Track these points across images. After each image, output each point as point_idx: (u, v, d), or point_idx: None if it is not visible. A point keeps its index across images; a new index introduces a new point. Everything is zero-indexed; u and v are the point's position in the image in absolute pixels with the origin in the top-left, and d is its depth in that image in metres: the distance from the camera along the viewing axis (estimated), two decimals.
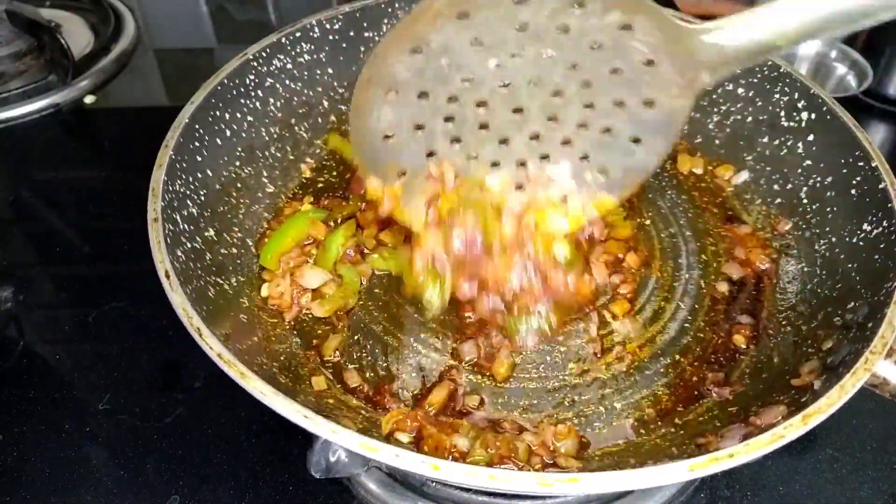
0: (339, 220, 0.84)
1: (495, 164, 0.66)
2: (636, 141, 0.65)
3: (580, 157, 0.66)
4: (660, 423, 0.68)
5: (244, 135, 0.84)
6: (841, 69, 1.26)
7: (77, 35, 1.36)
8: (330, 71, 0.93)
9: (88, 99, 1.25)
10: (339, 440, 0.49)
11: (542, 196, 0.67)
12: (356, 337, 0.75)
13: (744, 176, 0.90)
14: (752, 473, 0.73)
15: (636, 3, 0.57)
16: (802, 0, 0.54)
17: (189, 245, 0.69)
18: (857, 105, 1.20)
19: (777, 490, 0.73)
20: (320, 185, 0.91)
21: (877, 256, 0.68)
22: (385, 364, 0.73)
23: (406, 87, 0.61)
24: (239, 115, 0.84)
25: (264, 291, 0.77)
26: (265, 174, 0.87)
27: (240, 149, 0.84)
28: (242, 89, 0.84)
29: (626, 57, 0.60)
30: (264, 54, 0.86)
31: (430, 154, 0.66)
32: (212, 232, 0.75)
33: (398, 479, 0.71)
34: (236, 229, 0.79)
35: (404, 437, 0.64)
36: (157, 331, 0.85)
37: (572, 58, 0.60)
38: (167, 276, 0.60)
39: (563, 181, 0.67)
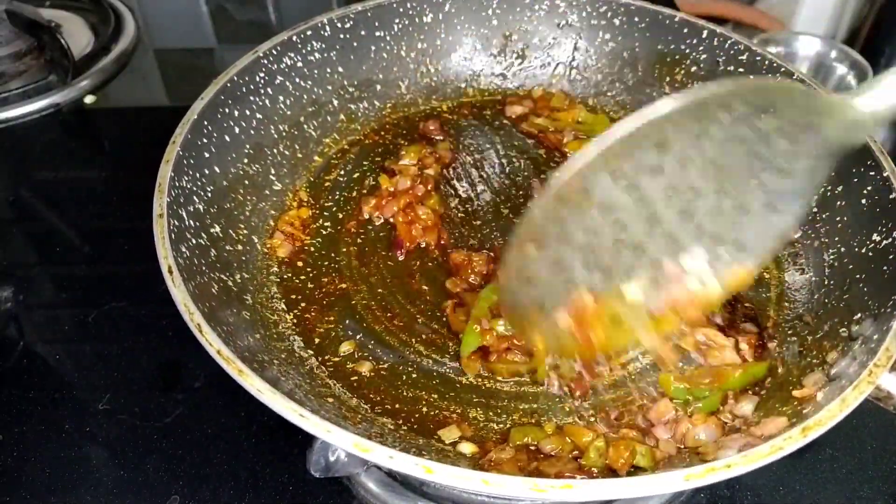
0: None
1: (629, 271, 0.59)
2: (772, 208, 0.59)
3: (713, 241, 0.59)
4: None
5: (253, 132, 0.85)
6: (841, 69, 1.26)
7: (77, 35, 1.36)
8: (340, 70, 0.94)
9: (88, 99, 1.25)
10: (334, 440, 0.49)
11: (679, 290, 0.60)
12: (358, 337, 0.75)
13: None
14: (751, 474, 0.73)
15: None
16: None
17: (194, 241, 0.69)
18: None
19: (777, 490, 0.73)
20: (328, 184, 0.92)
21: (885, 268, 0.68)
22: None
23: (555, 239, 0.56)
24: (248, 113, 0.84)
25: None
26: (273, 172, 0.87)
27: (248, 146, 0.84)
28: (252, 87, 0.84)
29: (768, 145, 0.55)
30: (275, 52, 0.86)
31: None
32: (217, 229, 0.75)
33: (398, 479, 0.71)
34: (242, 226, 0.80)
35: (466, 448, 0.64)
36: (157, 331, 0.85)
37: (711, 156, 0.54)
38: (170, 272, 0.60)
39: (699, 268, 0.60)
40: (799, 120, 0.54)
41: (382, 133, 1.00)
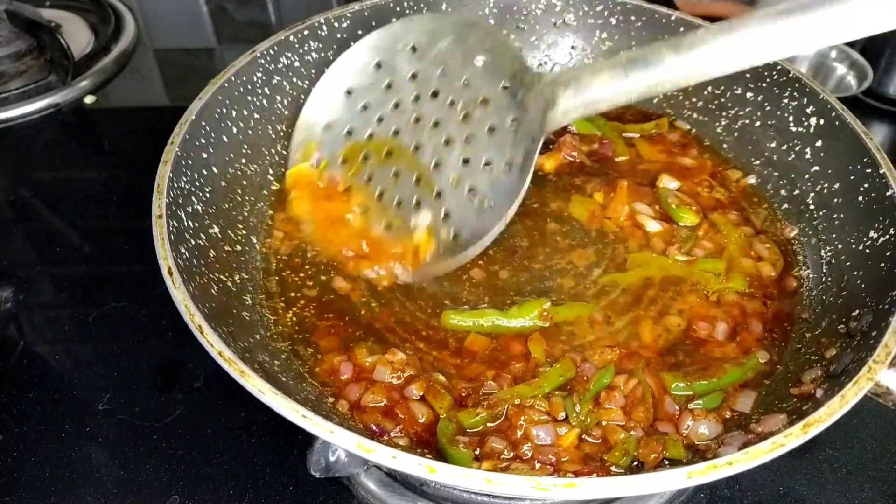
0: None
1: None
2: (489, 207, 0.73)
3: (443, 215, 0.75)
4: None
5: (251, 132, 0.85)
6: (841, 69, 1.26)
7: (77, 35, 1.36)
8: None
9: (88, 99, 1.25)
10: (337, 440, 0.49)
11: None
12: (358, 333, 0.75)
13: (751, 180, 0.89)
14: (752, 473, 0.73)
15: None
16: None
17: (193, 242, 0.69)
18: (857, 105, 1.20)
19: (777, 490, 0.73)
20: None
21: (882, 264, 0.68)
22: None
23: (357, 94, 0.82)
24: (246, 113, 0.84)
25: None
26: (271, 172, 0.87)
27: (246, 146, 0.84)
28: (250, 87, 0.84)
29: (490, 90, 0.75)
30: (272, 52, 0.86)
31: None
32: (216, 229, 0.75)
33: (398, 479, 0.71)
34: (241, 227, 0.79)
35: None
36: (157, 331, 0.85)
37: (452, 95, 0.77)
38: (170, 273, 0.60)
39: (422, 227, 0.75)
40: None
41: None
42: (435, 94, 0.78)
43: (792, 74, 0.85)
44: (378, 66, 0.81)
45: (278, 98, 0.88)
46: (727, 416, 0.66)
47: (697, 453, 0.62)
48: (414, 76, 0.80)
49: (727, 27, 0.65)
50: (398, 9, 0.95)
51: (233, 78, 0.82)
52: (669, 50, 0.67)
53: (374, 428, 0.63)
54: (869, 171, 0.74)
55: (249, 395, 0.52)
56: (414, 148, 0.77)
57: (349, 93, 0.82)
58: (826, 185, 0.81)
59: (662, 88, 0.69)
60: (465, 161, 0.75)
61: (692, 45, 0.66)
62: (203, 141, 0.77)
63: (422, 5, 0.98)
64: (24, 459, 0.74)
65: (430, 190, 0.76)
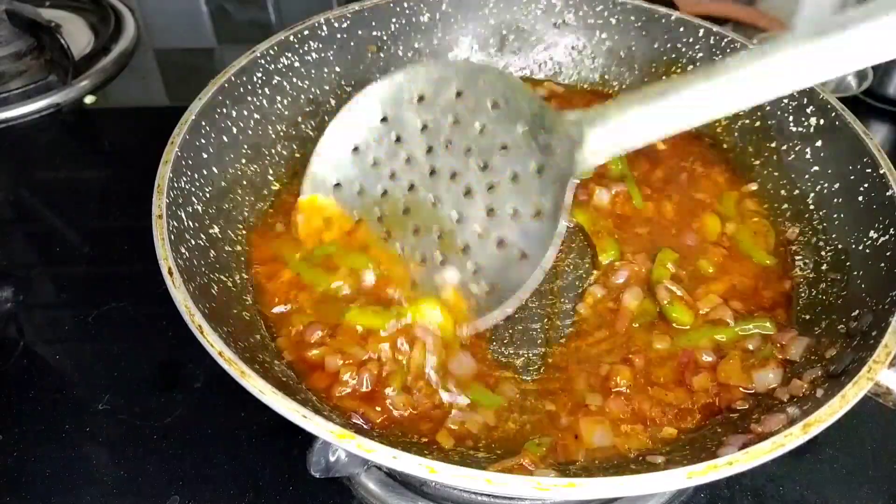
0: None
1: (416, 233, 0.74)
2: (523, 256, 0.68)
3: (473, 270, 0.71)
4: None
5: (251, 132, 0.84)
6: None
7: (77, 35, 1.36)
8: (337, 69, 0.94)
9: (88, 99, 1.25)
10: (337, 441, 0.49)
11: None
12: None
13: (752, 187, 0.89)
14: (752, 473, 0.73)
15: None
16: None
17: (193, 242, 0.69)
18: (857, 105, 1.20)
19: (777, 490, 0.73)
20: None
21: (883, 264, 0.68)
22: None
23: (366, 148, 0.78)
24: (246, 113, 0.84)
25: None
26: (271, 172, 0.87)
27: (246, 146, 0.84)
28: (250, 87, 0.84)
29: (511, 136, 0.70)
30: (272, 52, 0.86)
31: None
32: (216, 229, 0.75)
33: (398, 479, 0.71)
34: (241, 227, 0.79)
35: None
36: (157, 331, 0.85)
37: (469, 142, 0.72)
38: (170, 273, 0.60)
39: (449, 284, 0.71)
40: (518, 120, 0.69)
41: None
42: (449, 144, 0.73)
43: None
44: (384, 119, 0.77)
45: (278, 98, 0.88)
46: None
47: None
48: (424, 127, 0.75)
49: (762, 51, 0.58)
50: (398, 9, 0.95)
51: (233, 78, 0.82)
52: (701, 79, 0.60)
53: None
54: (869, 171, 0.74)
55: (249, 395, 0.52)
56: (432, 202, 0.73)
57: (356, 150, 0.78)
58: (826, 185, 0.81)
59: (697, 120, 0.62)
60: (490, 212, 0.70)
61: (726, 72, 0.59)
62: (203, 141, 0.77)
63: (422, 5, 0.98)
64: (24, 459, 0.74)
65: (454, 245, 0.71)
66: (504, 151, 0.70)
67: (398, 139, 0.76)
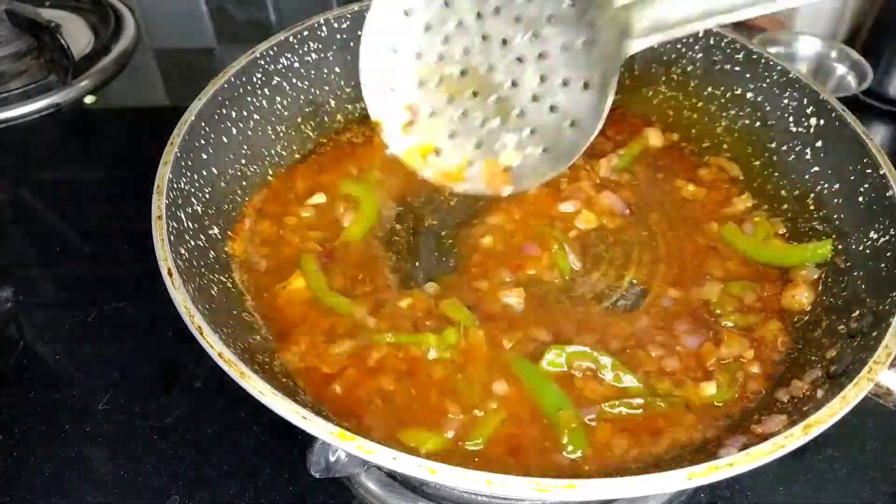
0: None
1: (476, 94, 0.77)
2: (573, 124, 0.71)
3: (529, 132, 0.74)
4: None
5: (250, 133, 0.84)
6: (841, 69, 1.26)
7: (77, 35, 1.36)
8: (337, 70, 0.94)
9: (88, 99, 1.25)
10: (337, 441, 0.49)
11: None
12: None
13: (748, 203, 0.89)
14: (752, 473, 0.73)
15: None
16: None
17: (193, 243, 0.69)
18: (857, 105, 1.20)
19: (777, 490, 0.73)
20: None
21: (883, 265, 0.68)
22: None
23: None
24: (245, 114, 0.84)
25: None
26: (271, 172, 0.87)
27: (245, 147, 0.84)
28: (249, 87, 0.84)
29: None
30: (272, 52, 0.86)
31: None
32: (216, 230, 0.75)
33: (398, 479, 0.71)
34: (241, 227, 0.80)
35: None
36: (157, 331, 0.85)
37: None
38: (170, 274, 0.60)
39: (510, 145, 0.76)
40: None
41: None
42: (497, 11, 0.74)
43: (792, 75, 0.85)
44: None
45: (278, 99, 0.88)
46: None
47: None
48: None
49: None
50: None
51: (232, 79, 0.82)
52: None
53: None
54: (869, 171, 0.74)
55: (249, 395, 0.52)
56: (487, 68, 0.75)
57: (407, 14, 0.78)
58: (826, 185, 0.81)
59: (748, 11, 0.62)
60: (542, 79, 0.73)
61: None
62: (203, 142, 0.77)
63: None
64: (24, 459, 0.74)
65: (510, 109, 0.75)
66: (551, 22, 0.71)
67: (446, 3, 0.76)
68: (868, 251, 0.71)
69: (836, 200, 0.79)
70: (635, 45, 0.67)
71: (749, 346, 0.70)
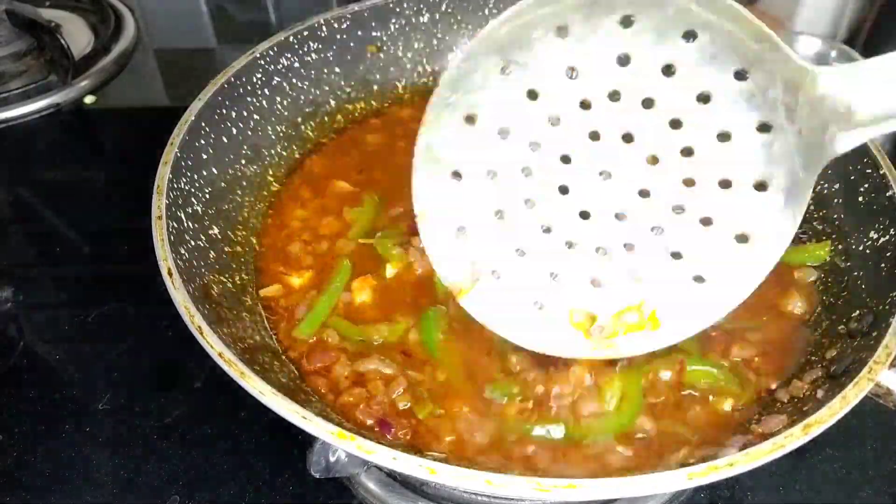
0: None
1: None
2: (742, 238, 0.55)
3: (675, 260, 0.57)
4: None
5: (250, 133, 0.85)
6: None
7: (77, 35, 1.36)
8: (337, 70, 0.94)
9: (88, 99, 1.25)
10: (337, 441, 0.49)
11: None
12: None
13: None
14: (752, 473, 0.73)
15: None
16: None
17: (193, 243, 0.69)
18: None
19: (777, 490, 0.73)
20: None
21: (883, 265, 0.68)
22: None
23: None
24: (245, 114, 0.84)
25: None
26: (271, 173, 0.87)
27: (245, 147, 0.84)
28: (249, 87, 0.84)
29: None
30: (272, 53, 0.86)
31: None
32: (216, 230, 0.75)
33: (398, 479, 0.71)
34: (240, 227, 0.79)
35: None
36: (157, 331, 0.85)
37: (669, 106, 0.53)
38: (170, 274, 0.60)
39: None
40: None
41: None
42: (615, 96, 0.53)
43: None
44: (503, 70, 0.55)
45: (278, 99, 0.88)
46: None
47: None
48: (572, 70, 0.54)
49: None
50: (398, 9, 0.95)
51: (232, 79, 0.82)
52: None
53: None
54: (869, 171, 0.74)
55: (249, 395, 0.52)
56: (601, 175, 0.56)
57: (469, 119, 0.57)
58: (826, 185, 0.81)
59: None
60: (686, 184, 0.54)
61: None
62: (203, 142, 0.77)
63: (422, 5, 0.98)
64: (24, 459, 0.74)
65: (643, 229, 0.56)
66: (705, 105, 0.52)
67: (532, 94, 0.55)
68: (868, 251, 0.71)
69: (835, 200, 0.79)
70: (853, 138, 0.47)
71: (752, 348, 0.70)
